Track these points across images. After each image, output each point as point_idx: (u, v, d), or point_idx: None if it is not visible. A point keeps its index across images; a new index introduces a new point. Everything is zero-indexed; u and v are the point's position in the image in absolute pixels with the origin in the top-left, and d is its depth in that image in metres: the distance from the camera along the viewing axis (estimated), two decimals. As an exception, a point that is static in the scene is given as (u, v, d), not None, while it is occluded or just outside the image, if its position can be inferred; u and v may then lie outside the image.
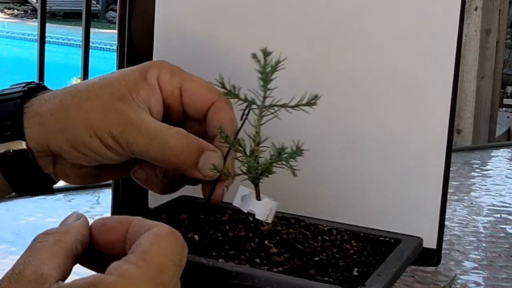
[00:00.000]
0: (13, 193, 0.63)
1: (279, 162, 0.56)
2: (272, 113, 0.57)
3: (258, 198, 0.58)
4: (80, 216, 0.48)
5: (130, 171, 0.63)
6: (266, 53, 0.55)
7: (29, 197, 0.92)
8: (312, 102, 0.56)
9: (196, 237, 0.56)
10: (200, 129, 0.63)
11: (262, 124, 0.57)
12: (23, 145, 0.59)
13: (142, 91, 0.60)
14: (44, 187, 0.63)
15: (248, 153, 0.57)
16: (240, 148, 0.57)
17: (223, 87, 0.58)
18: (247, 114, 0.58)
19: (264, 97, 0.57)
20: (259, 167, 0.57)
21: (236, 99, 0.57)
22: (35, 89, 0.62)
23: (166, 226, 0.46)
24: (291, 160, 0.55)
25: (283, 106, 0.57)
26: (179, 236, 0.46)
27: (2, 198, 0.64)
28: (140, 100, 0.60)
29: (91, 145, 0.59)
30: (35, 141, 0.60)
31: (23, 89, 0.61)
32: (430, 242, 0.74)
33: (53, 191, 0.65)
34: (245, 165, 0.57)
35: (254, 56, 0.55)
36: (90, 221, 0.49)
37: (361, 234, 0.62)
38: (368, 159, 0.73)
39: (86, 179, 0.64)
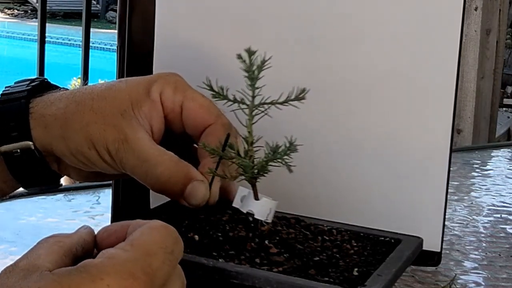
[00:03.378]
0: (16, 191, 0.64)
1: (274, 160, 0.56)
2: (262, 111, 0.57)
3: (256, 198, 0.58)
4: (87, 227, 0.49)
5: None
6: (250, 52, 0.55)
7: (29, 197, 0.92)
8: (300, 96, 0.56)
9: (196, 237, 0.56)
10: None
11: (253, 123, 0.57)
12: (30, 145, 0.60)
13: (144, 107, 0.61)
14: (51, 182, 0.64)
15: (242, 154, 0.57)
16: (232, 153, 0.57)
17: (211, 89, 0.58)
18: (227, 140, 0.58)
19: (253, 96, 0.56)
20: (255, 167, 0.57)
21: (225, 100, 0.57)
22: (39, 87, 0.63)
23: (160, 221, 0.47)
24: (286, 157, 0.55)
25: (273, 103, 0.56)
26: (172, 229, 0.46)
27: (10, 193, 0.64)
28: (141, 116, 0.61)
29: (89, 156, 0.60)
30: (40, 143, 0.60)
31: (27, 87, 0.62)
32: (433, 244, 0.73)
33: (60, 185, 0.66)
34: (241, 166, 0.57)
35: (239, 56, 0.55)
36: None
37: (361, 234, 0.62)
38: (369, 159, 0.73)
39: (89, 179, 0.65)
